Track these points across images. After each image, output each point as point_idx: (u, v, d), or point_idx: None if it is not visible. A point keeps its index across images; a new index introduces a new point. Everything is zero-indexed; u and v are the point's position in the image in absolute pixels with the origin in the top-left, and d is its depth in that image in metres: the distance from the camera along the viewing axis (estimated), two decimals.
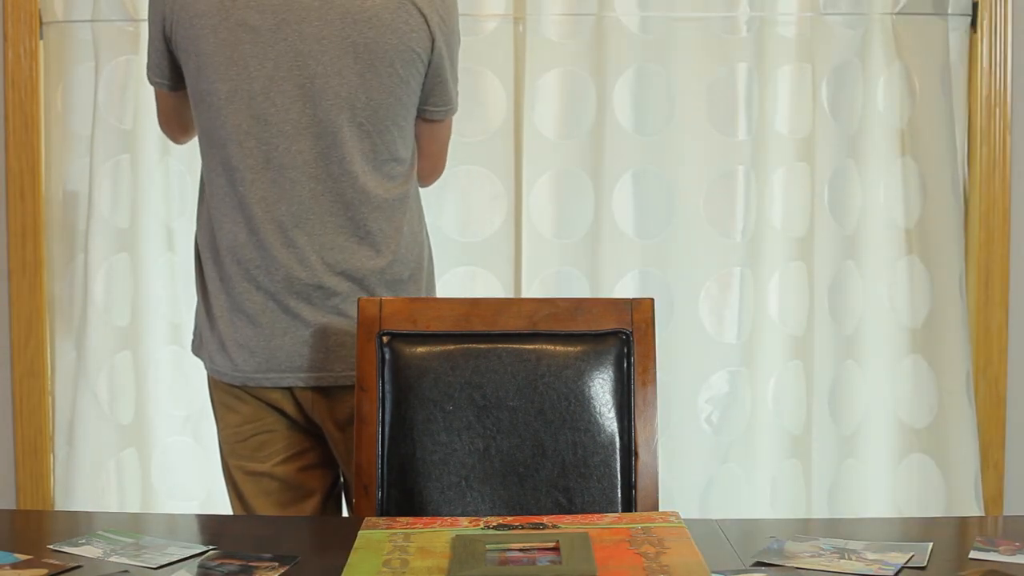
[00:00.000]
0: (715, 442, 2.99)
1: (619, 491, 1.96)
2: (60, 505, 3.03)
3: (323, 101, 2.14)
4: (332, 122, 2.15)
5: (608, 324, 2.02)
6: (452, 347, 2.01)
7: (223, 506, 3.02)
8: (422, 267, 2.29)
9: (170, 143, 2.95)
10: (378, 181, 2.19)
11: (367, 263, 2.19)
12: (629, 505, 1.97)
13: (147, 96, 2.94)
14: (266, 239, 2.17)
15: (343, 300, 2.19)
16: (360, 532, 1.65)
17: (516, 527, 1.63)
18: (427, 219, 3.06)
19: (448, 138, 2.37)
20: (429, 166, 2.36)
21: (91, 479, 3.00)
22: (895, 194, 2.95)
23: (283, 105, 2.14)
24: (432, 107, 2.27)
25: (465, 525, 1.66)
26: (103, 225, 2.96)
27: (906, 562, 1.63)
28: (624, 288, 2.94)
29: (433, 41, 2.18)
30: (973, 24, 2.98)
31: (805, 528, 1.81)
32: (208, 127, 2.19)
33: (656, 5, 2.91)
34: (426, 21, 2.17)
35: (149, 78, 2.28)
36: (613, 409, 1.98)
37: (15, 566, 1.62)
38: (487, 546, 1.55)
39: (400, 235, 2.22)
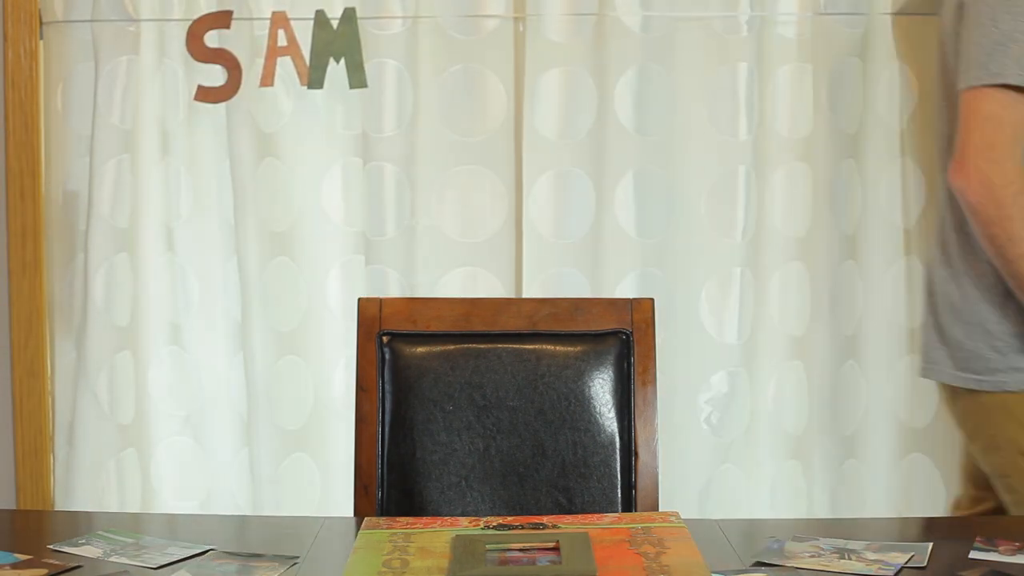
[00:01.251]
0: (715, 442, 2.98)
1: (619, 491, 1.96)
2: (60, 505, 3.03)
3: None
4: None
5: (608, 324, 2.02)
6: (452, 347, 2.01)
7: (223, 506, 3.02)
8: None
9: (171, 141, 2.96)
10: None
11: None
12: (629, 505, 1.97)
13: (147, 96, 2.94)
14: None
15: None
16: (360, 532, 1.65)
17: (516, 527, 1.63)
18: (427, 219, 3.05)
19: (967, 120, 2.12)
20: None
21: (91, 479, 3.00)
22: (895, 194, 2.95)
23: None
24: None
25: (465, 525, 1.66)
26: (103, 225, 2.96)
27: (906, 562, 1.63)
28: (624, 288, 2.93)
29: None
30: None
31: (805, 528, 1.81)
32: None
33: (657, 5, 2.91)
34: None
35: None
36: (613, 409, 1.98)
37: (15, 566, 1.62)
38: (487, 546, 1.55)
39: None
